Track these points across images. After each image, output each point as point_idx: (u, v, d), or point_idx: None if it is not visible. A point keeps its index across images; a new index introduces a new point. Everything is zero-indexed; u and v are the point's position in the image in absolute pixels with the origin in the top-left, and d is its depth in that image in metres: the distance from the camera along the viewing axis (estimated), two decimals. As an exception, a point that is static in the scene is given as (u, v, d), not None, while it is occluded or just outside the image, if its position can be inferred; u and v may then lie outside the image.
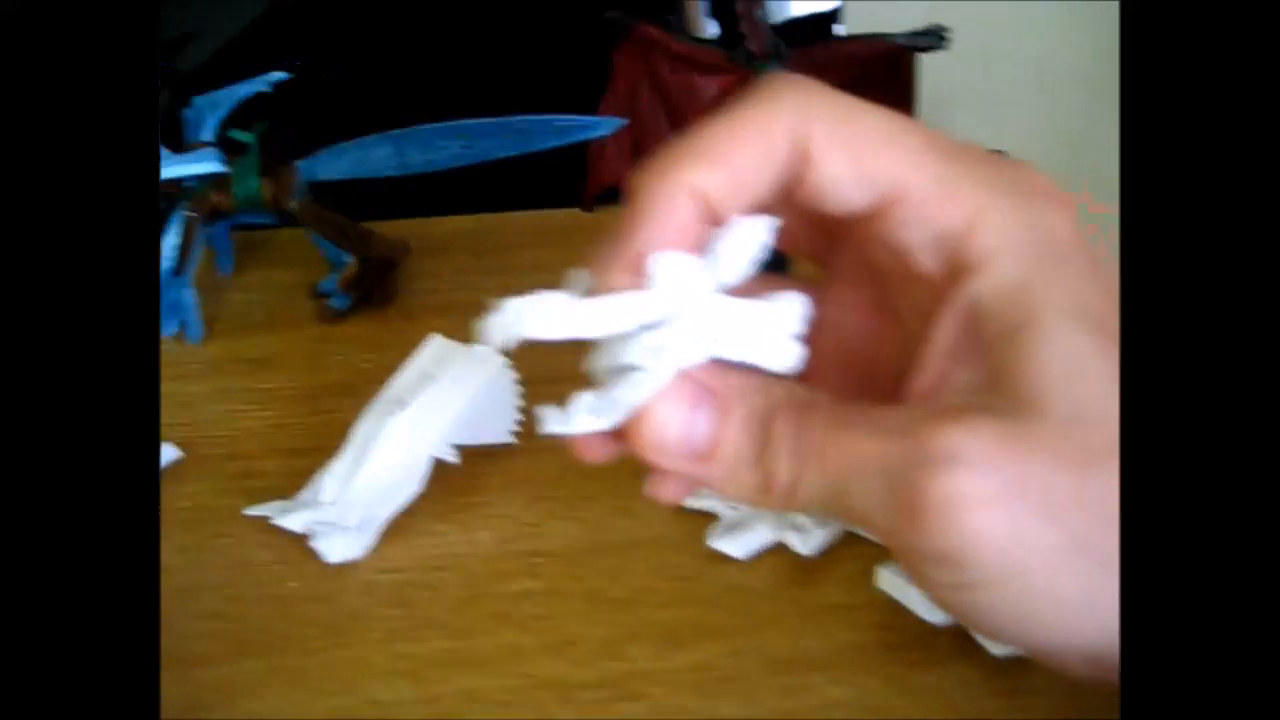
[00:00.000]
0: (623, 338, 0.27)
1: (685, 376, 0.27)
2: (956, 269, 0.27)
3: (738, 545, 0.46)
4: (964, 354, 0.27)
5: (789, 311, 0.28)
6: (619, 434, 0.28)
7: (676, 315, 0.27)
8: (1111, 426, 0.25)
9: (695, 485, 0.29)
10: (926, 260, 0.28)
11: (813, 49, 0.61)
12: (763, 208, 0.28)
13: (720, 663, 0.42)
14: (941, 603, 0.27)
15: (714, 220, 0.28)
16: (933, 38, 0.58)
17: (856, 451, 0.26)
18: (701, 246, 0.28)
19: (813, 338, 0.29)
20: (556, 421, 0.27)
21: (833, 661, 0.42)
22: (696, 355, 0.27)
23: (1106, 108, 0.72)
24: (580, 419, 0.27)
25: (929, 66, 0.60)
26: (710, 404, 0.27)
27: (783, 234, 0.29)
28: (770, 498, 0.27)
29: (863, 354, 0.31)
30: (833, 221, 0.29)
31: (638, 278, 0.27)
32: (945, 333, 0.27)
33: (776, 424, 0.27)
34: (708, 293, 0.27)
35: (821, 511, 0.27)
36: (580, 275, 0.28)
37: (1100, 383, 0.25)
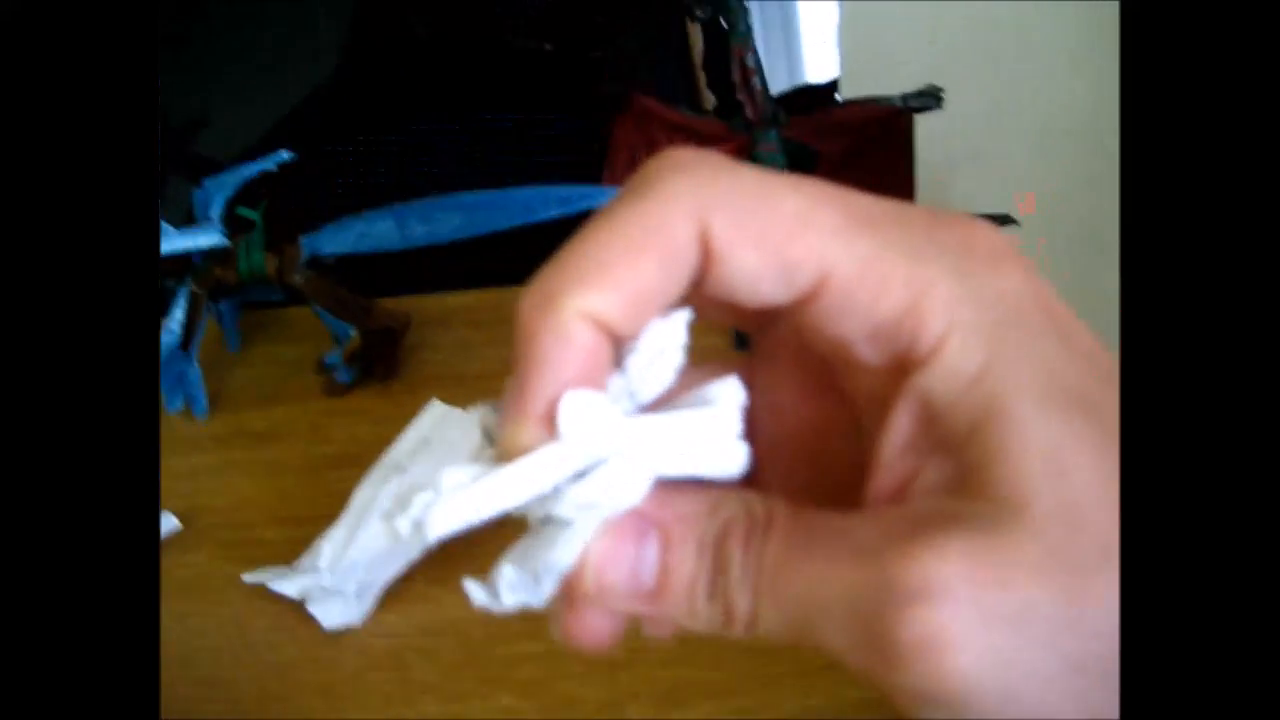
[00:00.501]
0: (547, 495, 0.23)
1: (629, 515, 0.24)
2: (902, 360, 0.24)
3: (739, 604, 0.45)
4: (925, 452, 0.24)
5: (726, 409, 0.25)
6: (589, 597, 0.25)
7: (600, 458, 0.24)
8: (1105, 523, 0.22)
9: (624, 621, 0.26)
10: (866, 352, 0.24)
11: (811, 115, 0.62)
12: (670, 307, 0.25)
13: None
14: None
15: (617, 341, 0.24)
16: (929, 99, 0.59)
17: (817, 582, 0.23)
18: (608, 369, 0.24)
19: (754, 423, 0.26)
20: (484, 598, 0.24)
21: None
22: (631, 496, 0.24)
23: (1107, 165, 0.72)
24: (508, 596, 0.24)
25: (927, 128, 0.61)
26: (655, 537, 0.24)
27: (701, 315, 0.26)
28: (733, 629, 0.24)
29: (811, 440, 0.28)
30: (755, 311, 0.26)
31: (547, 428, 0.23)
32: (899, 430, 0.24)
33: (729, 548, 0.24)
34: (629, 421, 0.24)
35: (788, 643, 0.24)
36: (485, 411, 0.25)
37: (1085, 471, 0.22)
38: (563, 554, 0.23)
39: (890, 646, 0.22)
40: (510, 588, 0.23)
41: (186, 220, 0.61)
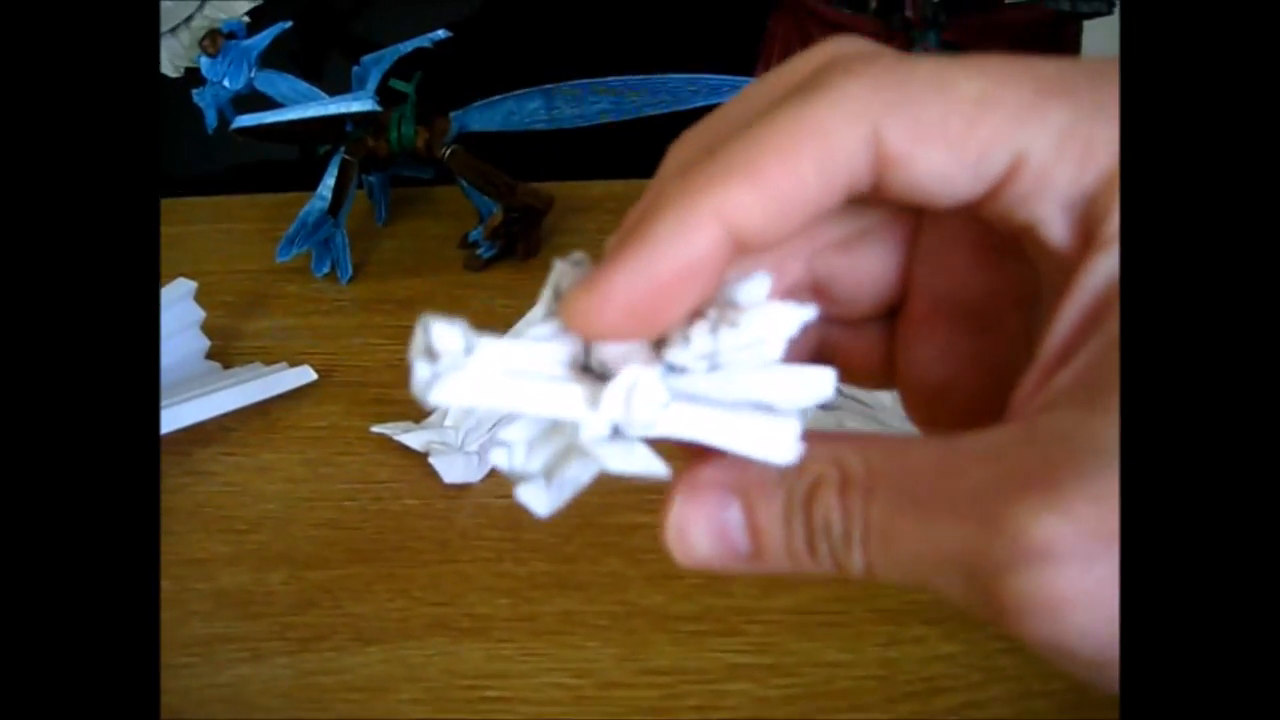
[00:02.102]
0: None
1: (699, 479, 0.22)
2: (1088, 239, 0.21)
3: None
4: (1077, 347, 0.21)
5: (786, 414, 0.22)
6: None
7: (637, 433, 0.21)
8: None
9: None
10: (1058, 231, 0.22)
11: (971, 16, 0.59)
12: (821, 219, 0.22)
13: (825, 607, 0.41)
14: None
15: (747, 248, 0.22)
16: (1099, 3, 0.56)
17: (928, 540, 0.21)
18: (712, 283, 0.21)
19: (918, 278, 0.25)
20: (505, 466, 0.23)
21: (944, 616, 0.41)
22: (658, 473, 0.22)
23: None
24: (521, 489, 0.23)
25: (1096, 36, 0.58)
26: (736, 502, 0.22)
27: (843, 299, 0.25)
28: (849, 577, 0.22)
29: (980, 308, 0.25)
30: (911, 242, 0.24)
31: (615, 320, 0.21)
32: (1069, 317, 0.22)
33: (823, 508, 0.22)
34: (681, 411, 0.21)
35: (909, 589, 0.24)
36: (565, 266, 0.23)
37: None
38: (580, 474, 0.22)
39: (1009, 606, 0.20)
40: (526, 488, 0.23)
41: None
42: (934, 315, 0.25)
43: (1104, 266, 0.21)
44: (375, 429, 0.49)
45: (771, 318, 0.21)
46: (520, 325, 0.50)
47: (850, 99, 0.21)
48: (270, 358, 0.55)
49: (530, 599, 0.42)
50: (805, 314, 0.21)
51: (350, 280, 0.61)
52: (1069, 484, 0.20)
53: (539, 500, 0.23)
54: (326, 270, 0.61)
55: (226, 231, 0.66)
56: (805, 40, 0.62)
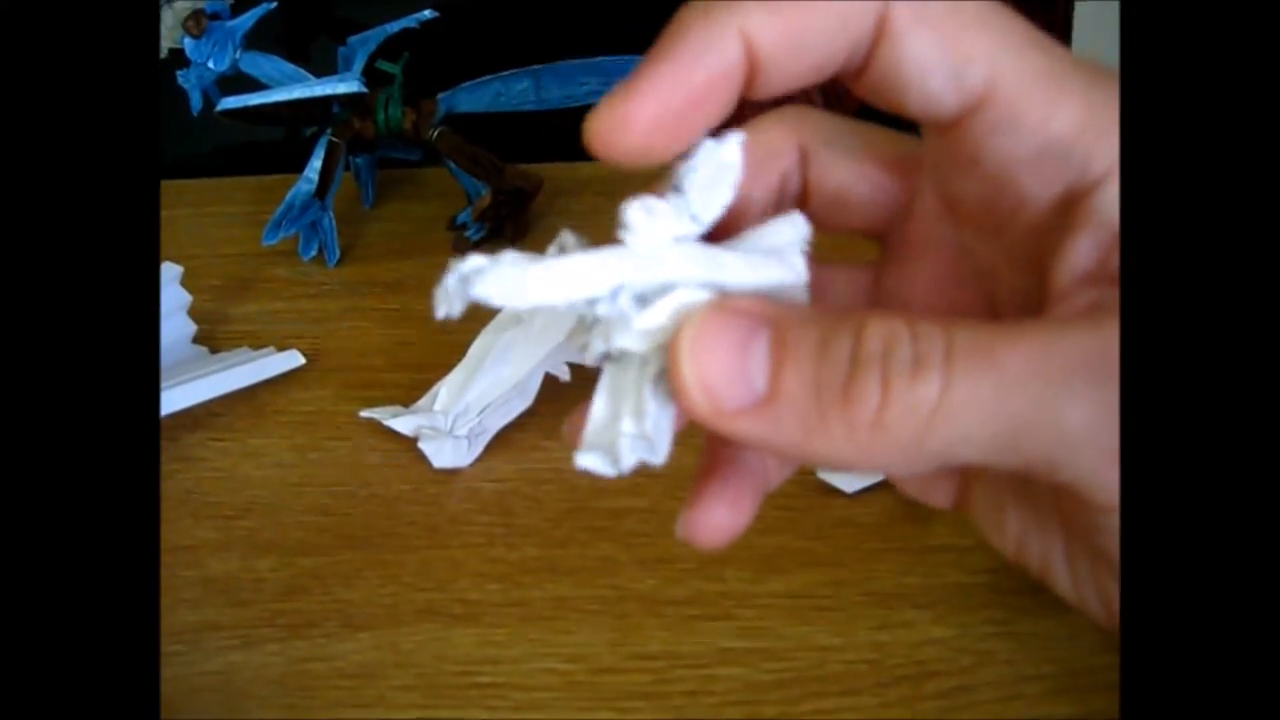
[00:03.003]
0: (602, 317, 0.22)
1: (730, 303, 0.22)
2: (1073, 186, 0.22)
3: (847, 479, 0.45)
4: (1107, 282, 0.21)
5: (791, 253, 0.23)
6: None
7: (664, 281, 0.22)
8: None
9: (745, 518, 0.25)
10: (1031, 180, 0.22)
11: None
12: (818, 80, 0.23)
13: (817, 592, 0.41)
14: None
15: (755, 82, 0.22)
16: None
17: (1049, 349, 0.19)
18: (730, 103, 0.22)
19: (908, 261, 0.26)
20: (603, 465, 0.23)
21: (936, 600, 0.41)
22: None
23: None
24: (628, 458, 0.22)
25: (1085, 18, 0.58)
26: (765, 335, 0.21)
27: (829, 197, 0.25)
28: (891, 445, 0.20)
29: (974, 278, 0.25)
30: (897, 172, 0.25)
31: (644, 129, 0.22)
32: (1079, 258, 0.22)
33: (874, 331, 0.20)
34: (697, 247, 0.22)
35: (973, 455, 0.20)
36: (567, 237, 0.24)
37: None
38: (663, 405, 0.22)
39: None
40: (630, 449, 0.22)
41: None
42: (930, 289, 0.25)
43: (1102, 206, 0.21)
44: (364, 414, 0.48)
45: (713, 149, 0.22)
46: (509, 308, 0.50)
47: None
48: (258, 342, 0.54)
49: (521, 584, 0.42)
50: (737, 137, 0.22)
51: (338, 263, 0.61)
52: None
53: (645, 450, 0.22)
54: (314, 253, 0.61)
55: (212, 215, 0.66)
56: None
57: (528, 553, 0.43)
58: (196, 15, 0.59)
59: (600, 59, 0.59)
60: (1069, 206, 0.22)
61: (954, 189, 0.24)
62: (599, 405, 0.23)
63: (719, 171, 0.22)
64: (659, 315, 0.21)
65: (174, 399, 0.47)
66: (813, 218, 0.24)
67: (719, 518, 0.25)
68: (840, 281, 0.27)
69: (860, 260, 0.27)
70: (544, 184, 0.62)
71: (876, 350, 0.20)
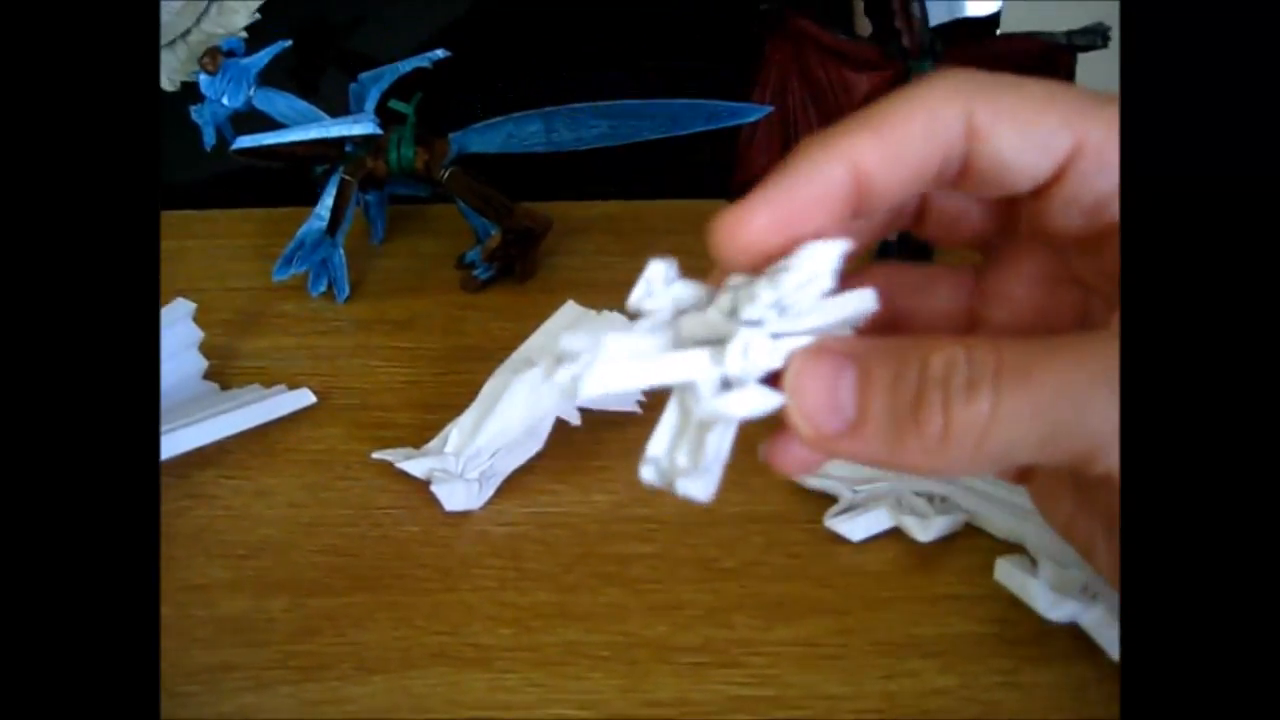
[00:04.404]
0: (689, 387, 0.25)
1: (822, 346, 0.25)
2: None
3: (854, 527, 0.45)
4: None
5: (858, 303, 0.26)
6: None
7: (746, 375, 0.25)
8: None
9: (821, 456, 0.27)
10: (1116, 209, 0.26)
11: (967, 46, 0.60)
12: (925, 188, 0.27)
13: (825, 640, 0.42)
14: None
15: (867, 195, 0.26)
16: (1094, 36, 0.57)
17: (1076, 365, 0.23)
18: (845, 215, 0.26)
19: (982, 312, 0.29)
20: (658, 481, 0.26)
21: (942, 650, 0.41)
22: (768, 407, 0.25)
23: None
24: (682, 486, 0.26)
25: (1090, 70, 0.59)
26: (851, 368, 0.25)
27: (946, 220, 0.29)
28: (959, 451, 0.24)
29: (1039, 324, 0.29)
30: (1005, 202, 0.28)
31: (773, 230, 0.26)
32: None
33: (939, 359, 0.24)
34: (779, 344, 0.25)
35: (1024, 455, 0.24)
36: (663, 268, 0.26)
37: None
38: (719, 442, 0.26)
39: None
40: (684, 481, 0.26)
41: (341, 112, 0.62)
42: (1023, 264, 0.29)
43: None
44: (376, 455, 0.49)
45: (816, 255, 0.25)
46: (525, 349, 0.51)
47: (948, 86, 0.26)
48: (268, 378, 0.55)
49: (532, 629, 0.42)
50: (842, 246, 0.25)
51: (347, 300, 0.61)
52: None
53: (698, 487, 0.26)
54: (323, 289, 0.61)
55: (221, 247, 0.66)
56: (802, 66, 0.63)
57: (538, 597, 0.43)
58: (212, 52, 0.60)
59: (610, 103, 0.59)
60: None
61: (1053, 224, 0.27)
62: (664, 430, 0.26)
63: (813, 279, 0.25)
64: (733, 404, 0.25)
65: (187, 438, 0.48)
66: (963, 186, 0.27)
67: (799, 451, 0.27)
68: (945, 285, 0.30)
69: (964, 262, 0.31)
70: (552, 224, 0.63)
71: (939, 375, 0.24)
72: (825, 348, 0.25)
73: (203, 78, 0.60)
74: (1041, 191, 0.27)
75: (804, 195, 0.26)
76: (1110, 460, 0.23)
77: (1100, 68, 0.60)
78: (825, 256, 0.25)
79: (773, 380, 0.26)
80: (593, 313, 0.51)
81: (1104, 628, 0.41)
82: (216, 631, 0.42)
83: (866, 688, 0.40)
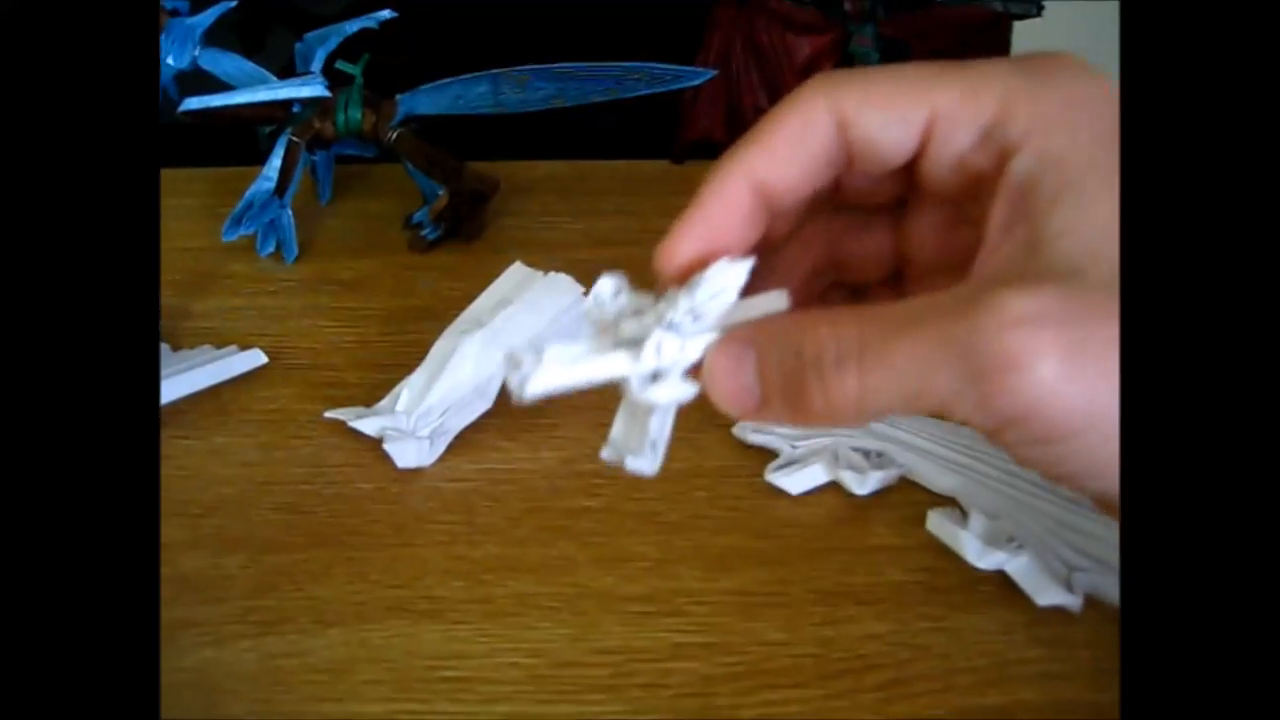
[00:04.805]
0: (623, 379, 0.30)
1: (729, 336, 0.29)
2: (1003, 156, 0.29)
3: (794, 481, 0.47)
4: (1012, 228, 0.28)
5: (773, 302, 0.30)
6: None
7: (668, 367, 0.29)
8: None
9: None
10: (980, 159, 0.29)
11: (907, 12, 0.61)
12: (822, 179, 0.31)
13: (765, 589, 0.43)
14: (1023, 460, 0.28)
15: (772, 200, 0.30)
16: (1029, 5, 0.59)
17: (921, 343, 0.27)
18: (758, 222, 0.30)
19: (906, 252, 0.32)
20: (613, 458, 0.30)
21: (876, 598, 0.43)
22: (690, 393, 0.29)
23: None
24: (630, 463, 0.30)
25: (1023, 34, 0.60)
26: (751, 352, 0.29)
27: (859, 193, 0.32)
28: (841, 413, 0.28)
29: (946, 260, 0.32)
30: (899, 169, 0.31)
31: (684, 262, 0.30)
32: (1000, 211, 0.28)
33: (810, 340, 0.28)
34: (698, 341, 0.29)
35: (899, 410, 0.28)
36: (611, 283, 0.30)
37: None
38: (659, 424, 0.30)
39: (990, 370, 0.25)
40: (632, 458, 0.30)
41: (286, 72, 0.62)
42: (925, 214, 0.32)
43: (1017, 167, 0.28)
44: (328, 415, 0.50)
45: (725, 271, 0.29)
46: (473, 310, 0.52)
47: (815, 87, 0.30)
48: (219, 339, 0.55)
49: (484, 581, 0.44)
50: (747, 265, 0.29)
51: (295, 260, 0.62)
52: (1031, 283, 0.26)
53: (644, 464, 0.30)
54: (271, 250, 0.62)
55: (170, 207, 0.66)
56: (747, 30, 0.64)
57: (490, 551, 0.45)
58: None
59: (557, 65, 0.60)
60: (1000, 170, 0.29)
61: (935, 181, 0.31)
62: (620, 417, 0.30)
63: (721, 293, 0.29)
64: (663, 391, 0.29)
65: (141, 398, 0.48)
66: (854, 169, 0.31)
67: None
68: (878, 230, 0.33)
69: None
70: (500, 185, 0.63)
71: (812, 356, 0.28)
72: (730, 337, 0.29)
73: (148, 38, 0.60)
74: (916, 158, 0.30)
75: (716, 217, 0.30)
76: (961, 413, 0.27)
77: (1034, 33, 0.61)
78: (733, 273, 0.29)
79: (697, 371, 0.29)
80: (539, 273, 0.52)
81: (1029, 575, 0.43)
82: (176, 589, 0.43)
83: (804, 634, 0.42)
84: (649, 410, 0.30)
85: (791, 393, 0.28)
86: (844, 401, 0.27)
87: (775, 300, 0.30)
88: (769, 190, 0.30)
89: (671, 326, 0.29)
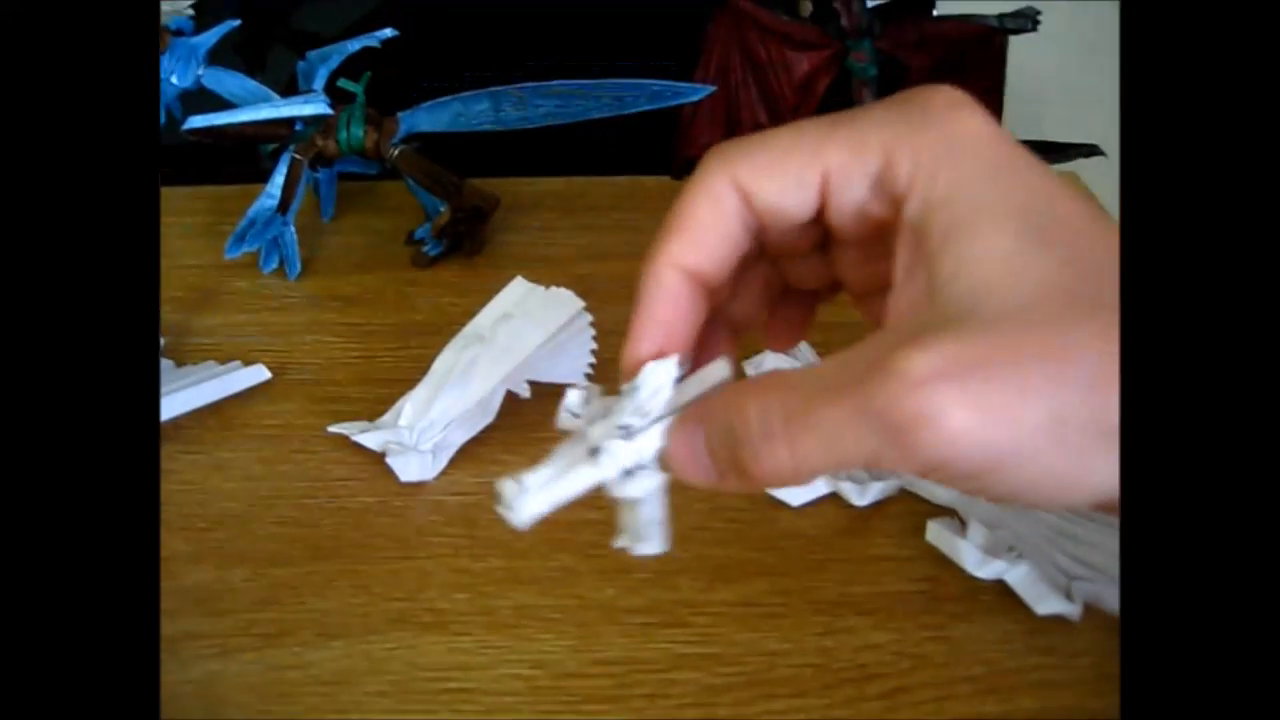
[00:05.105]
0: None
1: (683, 417, 0.31)
2: (896, 203, 0.30)
3: (793, 493, 0.48)
4: (912, 272, 0.30)
5: (717, 372, 0.32)
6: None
7: (636, 464, 0.32)
8: (1049, 317, 0.27)
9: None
10: (877, 208, 0.31)
11: (904, 27, 0.62)
12: (744, 249, 0.32)
13: (766, 600, 0.44)
14: (967, 492, 0.29)
15: (707, 280, 0.32)
16: (1024, 20, 0.59)
17: (842, 408, 0.28)
18: (701, 303, 0.33)
19: (841, 279, 0.34)
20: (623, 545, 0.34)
21: (876, 608, 0.44)
22: (660, 482, 0.32)
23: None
24: (638, 549, 0.33)
25: (1020, 53, 0.61)
26: (700, 430, 0.31)
27: (788, 246, 0.33)
28: (782, 478, 0.30)
29: (873, 287, 0.34)
30: (812, 223, 0.33)
31: (656, 346, 0.32)
32: (900, 257, 0.30)
33: (738, 419, 0.30)
34: (652, 436, 0.31)
35: (834, 470, 0.30)
36: (578, 394, 0.33)
37: (1036, 270, 0.28)
38: (652, 515, 0.32)
39: (903, 432, 0.27)
40: (640, 545, 0.33)
41: (288, 90, 0.63)
42: (848, 251, 0.34)
43: (908, 213, 0.30)
44: (332, 429, 0.50)
45: (657, 371, 0.31)
46: (475, 324, 0.52)
47: (714, 163, 0.31)
48: (222, 355, 0.56)
49: (486, 594, 0.44)
50: (673, 366, 0.31)
51: (298, 276, 0.62)
52: (927, 339, 0.27)
53: (650, 547, 0.33)
54: (275, 266, 0.62)
55: (172, 225, 0.67)
56: (744, 46, 0.65)
57: (492, 563, 0.45)
58: (160, 31, 0.61)
59: (556, 82, 0.61)
60: (897, 219, 0.30)
61: (846, 228, 0.32)
62: (621, 513, 0.33)
63: (659, 390, 0.31)
64: (633, 486, 0.32)
65: (146, 414, 0.49)
66: (769, 230, 0.32)
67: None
68: (818, 260, 0.35)
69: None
70: (500, 201, 0.64)
71: (743, 434, 0.29)
72: (682, 419, 0.31)
73: (152, 57, 0.60)
74: (821, 211, 0.32)
75: (661, 314, 0.32)
76: (889, 464, 0.28)
77: (1029, 50, 0.62)
78: (663, 372, 0.32)
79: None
80: (540, 288, 0.52)
81: (1028, 584, 0.43)
82: (180, 602, 0.43)
83: (804, 644, 0.42)
84: (635, 503, 0.32)
85: (736, 466, 0.30)
86: (780, 470, 0.29)
87: (719, 371, 0.32)
88: (699, 274, 0.32)
89: (624, 429, 0.31)
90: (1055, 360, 0.27)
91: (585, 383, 0.33)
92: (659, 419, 0.32)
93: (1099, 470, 0.27)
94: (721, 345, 0.36)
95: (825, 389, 0.29)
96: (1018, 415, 0.27)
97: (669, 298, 0.32)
